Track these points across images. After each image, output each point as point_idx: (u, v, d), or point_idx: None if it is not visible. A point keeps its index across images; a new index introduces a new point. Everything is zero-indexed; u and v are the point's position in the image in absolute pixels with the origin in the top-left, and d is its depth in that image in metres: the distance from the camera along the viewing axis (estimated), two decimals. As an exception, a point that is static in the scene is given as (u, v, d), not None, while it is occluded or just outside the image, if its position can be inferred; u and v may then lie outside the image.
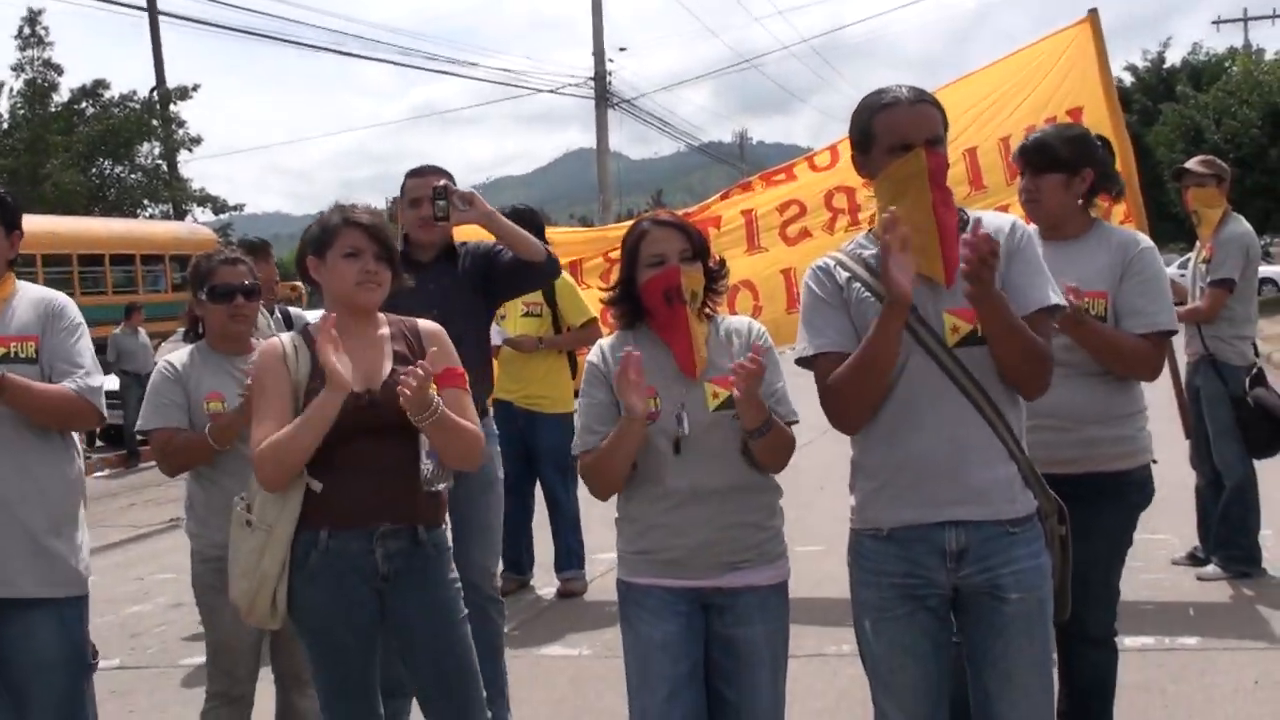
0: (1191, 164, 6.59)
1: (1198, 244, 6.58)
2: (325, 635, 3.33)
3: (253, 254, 6.72)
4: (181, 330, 4.41)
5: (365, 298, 3.37)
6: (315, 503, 3.26)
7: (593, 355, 3.27)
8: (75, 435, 3.75)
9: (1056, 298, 2.93)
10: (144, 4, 28.80)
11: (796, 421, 3.20)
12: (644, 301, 3.20)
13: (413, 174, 4.79)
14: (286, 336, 3.41)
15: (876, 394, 2.86)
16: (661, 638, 3.12)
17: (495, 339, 6.68)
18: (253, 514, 3.30)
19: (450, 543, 3.53)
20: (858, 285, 2.93)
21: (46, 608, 3.52)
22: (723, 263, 3.36)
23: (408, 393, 3.10)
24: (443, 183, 4.53)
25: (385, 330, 3.47)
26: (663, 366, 3.14)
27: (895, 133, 2.86)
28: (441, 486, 3.40)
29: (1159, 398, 7.71)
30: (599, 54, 33.39)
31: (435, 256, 4.74)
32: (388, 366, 3.38)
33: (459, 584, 3.50)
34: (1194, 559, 6.63)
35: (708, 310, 3.25)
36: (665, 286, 3.13)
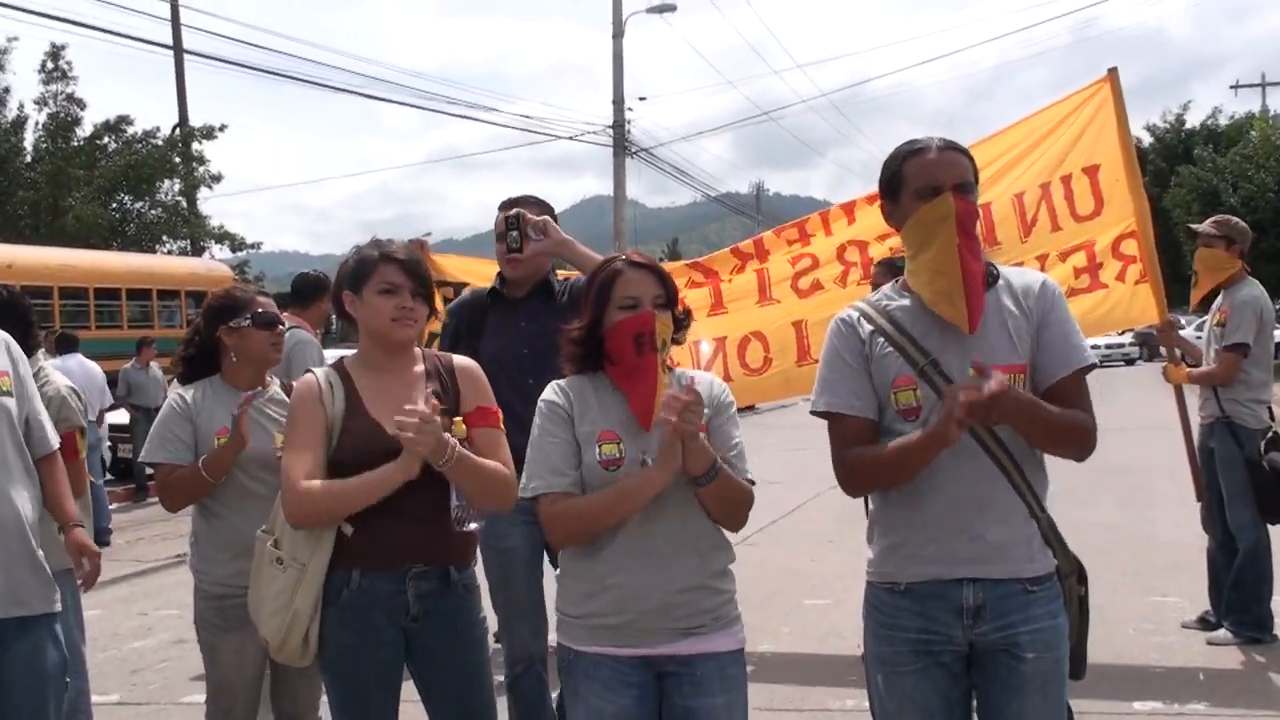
0: (1204, 224, 6.60)
1: (1213, 307, 6.55)
2: (349, 674, 3.30)
3: (320, 290, 6.79)
4: (181, 369, 4.27)
5: (400, 334, 3.35)
6: (348, 543, 3.24)
7: (549, 394, 3.08)
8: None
9: (1091, 356, 2.95)
10: (170, 43, 29.17)
11: (754, 482, 3.07)
12: (608, 344, 3.04)
13: (502, 207, 4.57)
14: (321, 372, 3.39)
15: (896, 485, 2.87)
16: (615, 712, 2.94)
17: None
18: (283, 550, 3.28)
19: (477, 581, 3.47)
20: (881, 340, 2.90)
21: (48, 623, 3.52)
22: (688, 313, 3.22)
23: (408, 435, 3.06)
24: (515, 212, 4.38)
25: (420, 368, 3.44)
26: (624, 412, 3.01)
27: (924, 176, 2.86)
28: (473, 526, 3.35)
29: (1170, 460, 7.67)
30: (618, 103, 33.65)
31: (529, 293, 4.54)
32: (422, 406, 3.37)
33: (486, 623, 3.48)
34: (1205, 623, 6.55)
35: (667, 362, 3.08)
36: (637, 331, 2.98)
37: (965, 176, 2.87)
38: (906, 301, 2.93)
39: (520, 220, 4.37)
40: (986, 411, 2.63)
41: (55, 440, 3.74)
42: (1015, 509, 2.82)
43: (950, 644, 2.85)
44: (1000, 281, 2.92)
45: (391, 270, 3.33)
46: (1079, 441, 2.85)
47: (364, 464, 3.20)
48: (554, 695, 3.45)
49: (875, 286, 4.87)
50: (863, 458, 2.84)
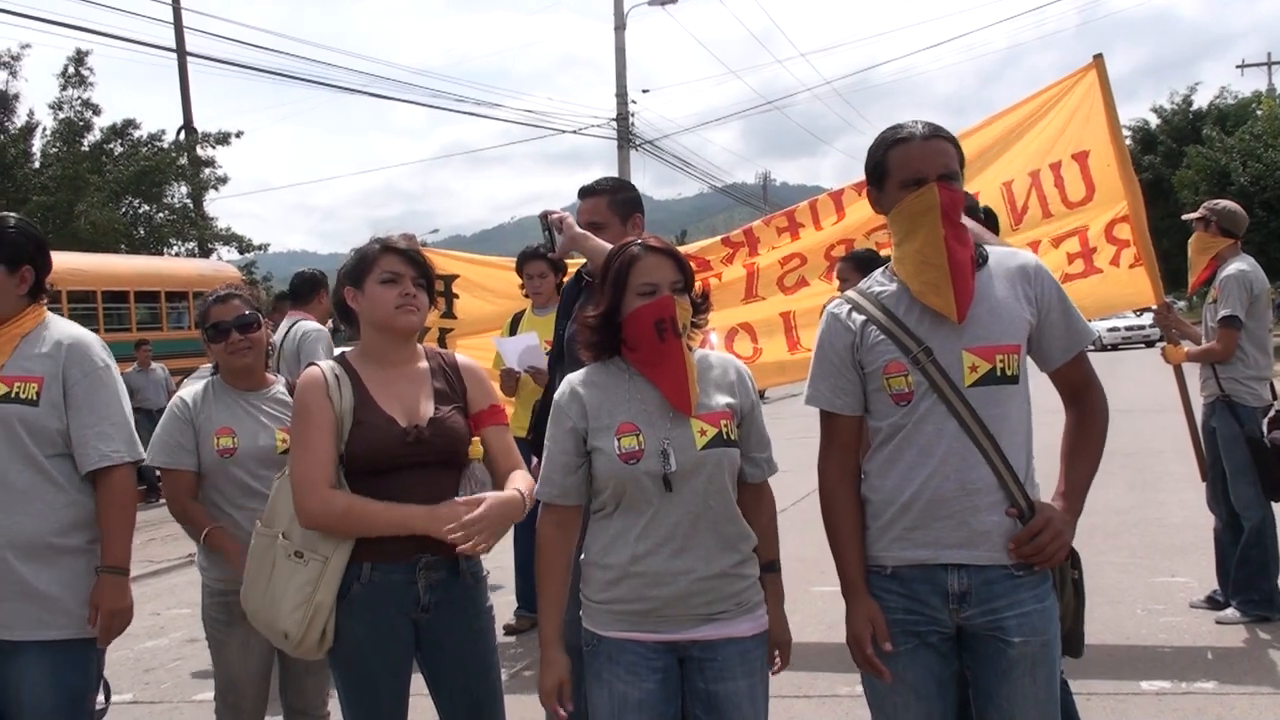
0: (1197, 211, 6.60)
1: (1212, 286, 6.55)
2: (360, 667, 3.32)
3: (317, 285, 6.94)
4: (211, 364, 4.35)
5: (405, 320, 3.36)
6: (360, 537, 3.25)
7: (561, 393, 3.09)
8: (72, 470, 3.45)
9: (1092, 332, 2.99)
10: (173, 45, 29.16)
11: (776, 470, 3.15)
12: (627, 332, 3.01)
13: (580, 194, 4.48)
14: (327, 365, 3.39)
15: None
16: (639, 696, 2.94)
17: (515, 364, 6.57)
18: (296, 543, 3.25)
19: (484, 571, 3.50)
20: (873, 329, 2.91)
21: (37, 651, 3.34)
22: (706, 295, 3.19)
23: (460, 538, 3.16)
24: (542, 212, 4.38)
25: (425, 364, 3.47)
26: (644, 401, 2.98)
27: (909, 167, 2.85)
28: None
29: (1179, 441, 7.65)
30: (621, 96, 33.63)
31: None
32: (430, 403, 3.37)
33: (494, 612, 3.50)
34: (1213, 602, 6.57)
35: (689, 344, 3.06)
36: (658, 317, 2.96)
37: (950, 165, 2.86)
38: (894, 287, 2.94)
39: (545, 219, 4.40)
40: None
41: (98, 460, 3.42)
42: (1001, 495, 2.82)
43: (937, 626, 2.86)
44: (990, 262, 2.93)
45: (392, 260, 3.36)
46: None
47: (377, 459, 3.23)
48: None
49: (843, 282, 4.87)
50: (829, 505, 3.06)
